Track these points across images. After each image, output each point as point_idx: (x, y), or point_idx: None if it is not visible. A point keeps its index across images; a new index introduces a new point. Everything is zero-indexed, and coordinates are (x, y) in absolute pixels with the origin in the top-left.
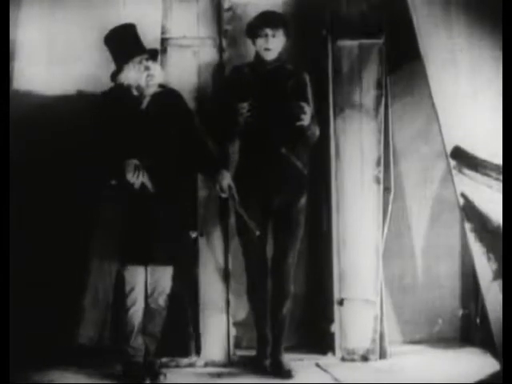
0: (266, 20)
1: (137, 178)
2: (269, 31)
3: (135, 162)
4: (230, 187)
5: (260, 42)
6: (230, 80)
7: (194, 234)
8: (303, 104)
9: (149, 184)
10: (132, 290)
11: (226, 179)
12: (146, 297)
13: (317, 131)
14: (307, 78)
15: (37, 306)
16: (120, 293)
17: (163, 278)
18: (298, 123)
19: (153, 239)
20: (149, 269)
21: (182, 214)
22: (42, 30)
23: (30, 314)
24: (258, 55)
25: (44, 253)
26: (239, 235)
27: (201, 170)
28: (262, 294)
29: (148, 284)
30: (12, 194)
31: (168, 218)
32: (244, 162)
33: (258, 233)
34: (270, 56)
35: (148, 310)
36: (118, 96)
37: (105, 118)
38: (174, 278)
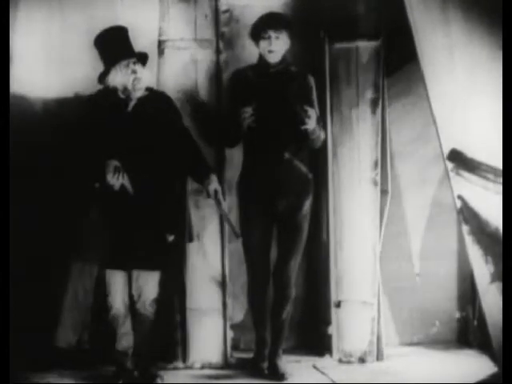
0: (270, 22)
1: (117, 180)
2: (272, 33)
3: (115, 163)
4: (216, 192)
5: (263, 44)
6: (232, 83)
7: (170, 238)
8: (307, 108)
9: (129, 186)
10: (109, 293)
11: (213, 184)
12: (133, 302)
13: (322, 135)
14: (312, 80)
15: (33, 307)
16: (100, 296)
17: (148, 283)
18: (303, 127)
19: (134, 244)
20: (134, 274)
21: (167, 217)
22: (39, 32)
23: (30, 315)
24: (261, 57)
25: (39, 250)
26: (242, 240)
27: (190, 174)
28: (263, 297)
29: (133, 289)
30: (12, 197)
31: (152, 223)
32: (248, 166)
33: (239, 238)
34: (274, 58)
35: (136, 315)
36: (105, 98)
37: (90, 120)
38: (166, 283)
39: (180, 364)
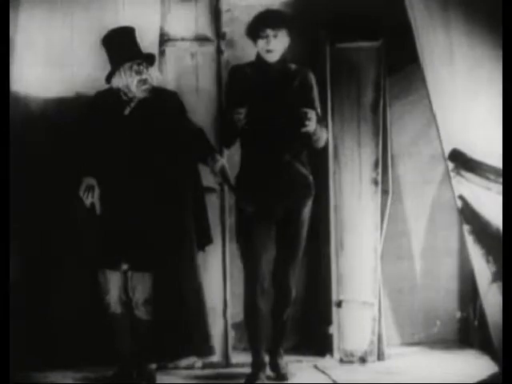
0: (267, 20)
1: (86, 198)
2: (270, 32)
3: (90, 181)
4: (223, 169)
5: (261, 43)
6: (229, 81)
7: (124, 267)
8: (307, 110)
9: (98, 206)
10: (105, 293)
11: (219, 162)
12: (130, 302)
13: (324, 135)
14: (312, 78)
15: (32, 307)
16: (97, 296)
17: (140, 283)
18: (303, 130)
19: (128, 245)
20: (128, 274)
21: (163, 220)
22: (40, 32)
23: (30, 315)
24: (259, 56)
25: (39, 250)
26: (240, 245)
27: (195, 156)
28: (260, 315)
29: (129, 289)
30: (11, 196)
31: (142, 226)
32: (245, 166)
33: (250, 209)
34: (272, 58)
35: (133, 316)
36: (107, 100)
37: (88, 123)
38: (164, 283)
39: (181, 363)
